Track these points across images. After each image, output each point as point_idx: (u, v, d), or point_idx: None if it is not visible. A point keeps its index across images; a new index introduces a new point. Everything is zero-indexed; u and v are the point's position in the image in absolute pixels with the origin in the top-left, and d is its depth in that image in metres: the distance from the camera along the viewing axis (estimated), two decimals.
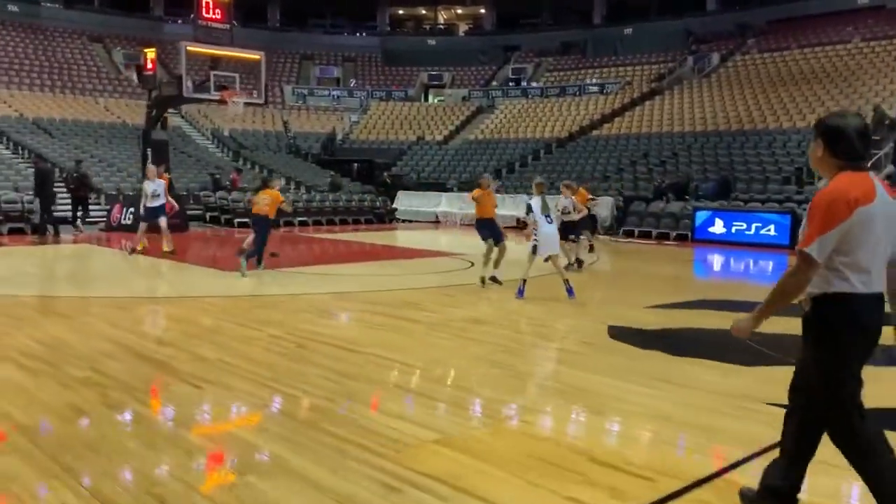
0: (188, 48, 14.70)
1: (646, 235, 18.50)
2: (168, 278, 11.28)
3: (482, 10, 46.53)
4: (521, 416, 4.56)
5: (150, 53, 16.59)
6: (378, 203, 23.33)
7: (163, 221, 12.53)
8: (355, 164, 32.78)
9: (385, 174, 28.63)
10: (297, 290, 9.70)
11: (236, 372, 5.47)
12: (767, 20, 36.86)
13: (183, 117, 32.00)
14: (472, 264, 11.98)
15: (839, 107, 25.92)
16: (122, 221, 17.26)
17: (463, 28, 48.53)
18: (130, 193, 19.89)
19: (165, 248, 12.66)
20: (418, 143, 34.06)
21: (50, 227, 16.24)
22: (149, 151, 17.13)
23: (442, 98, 41.01)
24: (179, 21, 39.48)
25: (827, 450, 2.96)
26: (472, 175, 28.59)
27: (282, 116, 35.28)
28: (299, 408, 4.64)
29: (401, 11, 48.43)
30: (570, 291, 8.81)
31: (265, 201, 10.81)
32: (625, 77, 37.22)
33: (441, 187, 27.00)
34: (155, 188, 12.37)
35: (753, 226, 16.36)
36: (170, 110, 20.40)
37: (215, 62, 15.35)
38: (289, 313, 7.87)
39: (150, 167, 12.76)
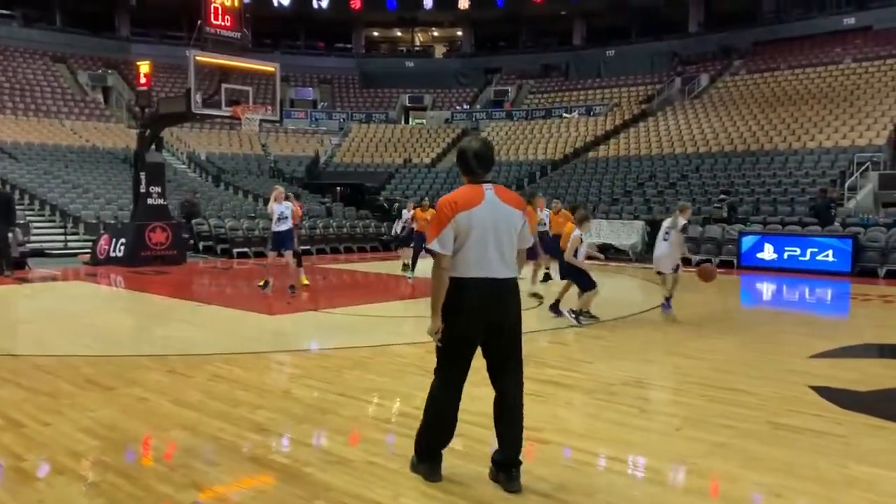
0: (197, 58, 12.89)
1: (684, 262, 17.02)
2: (198, 325, 9.30)
3: (459, 32, 45.57)
4: None
5: (144, 67, 14.72)
6: (383, 229, 21.63)
7: (288, 254, 11.37)
8: (338, 188, 31.31)
9: (381, 198, 27.02)
10: (371, 339, 7.91)
11: (411, 485, 3.79)
12: (753, 42, 36.84)
13: None
14: (541, 301, 10.48)
15: (847, 126, 25.35)
16: (112, 254, 15.19)
17: (441, 50, 47.47)
18: (112, 222, 17.90)
19: (303, 281, 11.95)
20: (406, 165, 32.64)
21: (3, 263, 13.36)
22: (142, 175, 15.17)
23: (421, 121, 39.68)
24: (146, 41, 37.66)
25: None
26: None
27: (259, 138, 33.41)
28: None
29: (376, 33, 47.21)
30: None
31: None
32: (611, 99, 36.57)
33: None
34: (282, 210, 11.23)
35: (808, 251, 15.08)
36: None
37: (225, 75, 13.59)
38: (394, 376, 6.20)
39: (278, 188, 11.69)
